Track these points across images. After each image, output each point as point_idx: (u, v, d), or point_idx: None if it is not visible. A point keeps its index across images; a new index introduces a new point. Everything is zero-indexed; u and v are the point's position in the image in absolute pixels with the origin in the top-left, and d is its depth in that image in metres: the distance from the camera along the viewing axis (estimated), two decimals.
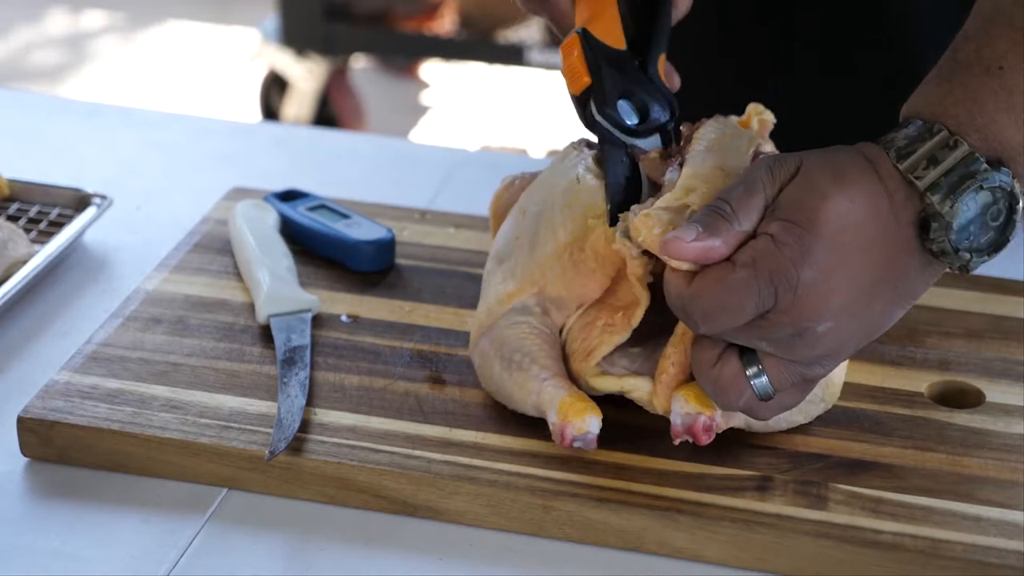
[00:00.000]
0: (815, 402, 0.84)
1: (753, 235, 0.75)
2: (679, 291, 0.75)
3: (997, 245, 0.75)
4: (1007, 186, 0.74)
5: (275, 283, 0.95)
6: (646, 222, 0.77)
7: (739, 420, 0.81)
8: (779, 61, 1.15)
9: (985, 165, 0.73)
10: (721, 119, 0.87)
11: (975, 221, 0.74)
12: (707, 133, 0.84)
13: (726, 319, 0.74)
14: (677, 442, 0.80)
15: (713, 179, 0.79)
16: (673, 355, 0.80)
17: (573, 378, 0.84)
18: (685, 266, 0.75)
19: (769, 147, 0.87)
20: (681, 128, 0.87)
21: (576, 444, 0.80)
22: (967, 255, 0.74)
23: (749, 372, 0.76)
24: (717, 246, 0.74)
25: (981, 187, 0.73)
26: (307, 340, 0.91)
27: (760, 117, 0.89)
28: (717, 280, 0.74)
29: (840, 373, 0.85)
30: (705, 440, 0.79)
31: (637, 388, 0.83)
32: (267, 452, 0.80)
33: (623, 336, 0.82)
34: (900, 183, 0.74)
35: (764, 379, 0.76)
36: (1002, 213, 0.74)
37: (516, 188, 0.95)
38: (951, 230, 0.73)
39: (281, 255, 0.99)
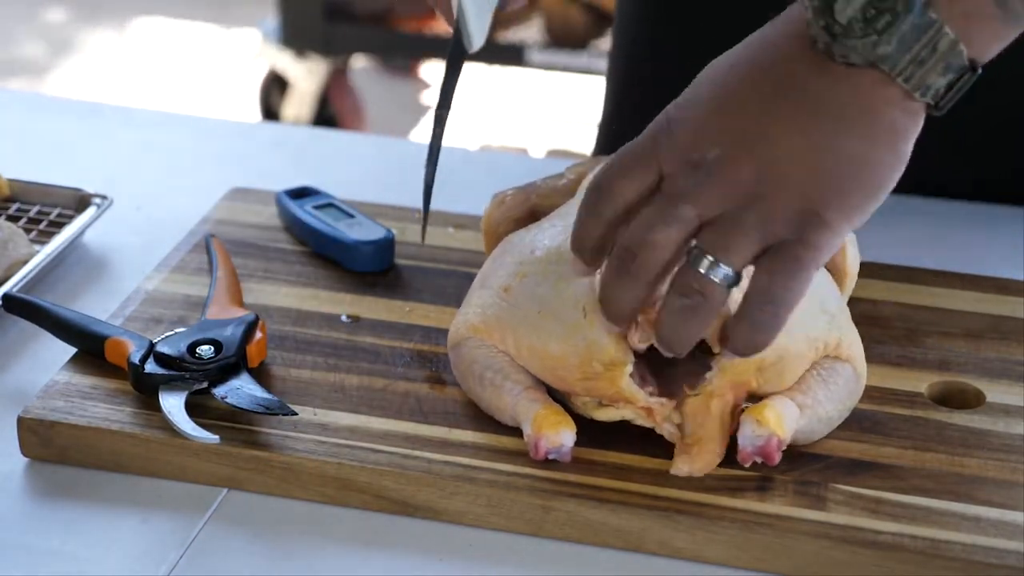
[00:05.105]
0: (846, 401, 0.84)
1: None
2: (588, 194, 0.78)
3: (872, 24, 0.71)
4: None
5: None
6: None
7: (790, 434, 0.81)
8: None
9: None
10: None
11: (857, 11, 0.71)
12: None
13: (623, 184, 0.76)
14: (748, 464, 0.80)
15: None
16: (718, 382, 0.80)
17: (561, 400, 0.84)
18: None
19: None
20: None
21: (551, 456, 0.80)
22: (841, 27, 0.70)
23: (699, 267, 0.74)
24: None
25: None
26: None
27: None
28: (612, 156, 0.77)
29: (862, 368, 0.85)
30: (777, 460, 0.79)
31: (641, 415, 0.82)
32: None
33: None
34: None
35: (721, 267, 0.73)
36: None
37: (507, 206, 0.95)
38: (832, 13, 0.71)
39: None
